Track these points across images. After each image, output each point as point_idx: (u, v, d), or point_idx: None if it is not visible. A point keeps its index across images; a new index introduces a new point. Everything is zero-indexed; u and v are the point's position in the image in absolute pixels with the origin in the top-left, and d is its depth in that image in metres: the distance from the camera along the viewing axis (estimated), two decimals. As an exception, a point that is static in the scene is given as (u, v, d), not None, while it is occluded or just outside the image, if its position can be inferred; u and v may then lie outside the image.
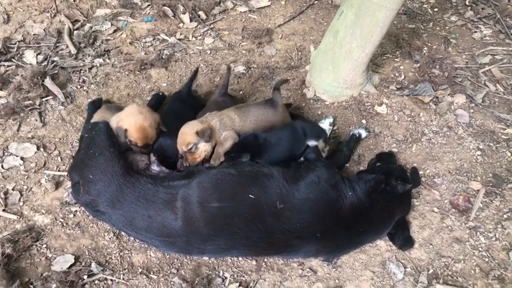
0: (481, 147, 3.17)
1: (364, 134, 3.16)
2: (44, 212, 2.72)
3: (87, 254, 2.55)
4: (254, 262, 2.55)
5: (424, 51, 3.94)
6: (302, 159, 2.81)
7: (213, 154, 2.69)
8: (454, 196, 2.88)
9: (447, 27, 4.26)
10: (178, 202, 2.33)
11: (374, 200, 2.49)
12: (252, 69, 3.75)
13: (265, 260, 2.56)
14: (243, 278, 2.48)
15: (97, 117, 2.94)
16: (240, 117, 2.80)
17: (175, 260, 2.54)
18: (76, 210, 2.74)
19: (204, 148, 2.65)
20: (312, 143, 2.83)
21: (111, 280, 2.44)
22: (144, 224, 2.37)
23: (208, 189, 2.36)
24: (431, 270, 2.54)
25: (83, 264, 2.50)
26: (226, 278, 2.48)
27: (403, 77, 3.70)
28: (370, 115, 3.35)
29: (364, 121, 3.32)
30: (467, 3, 4.49)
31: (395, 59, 3.86)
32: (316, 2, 4.48)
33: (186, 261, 2.54)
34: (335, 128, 3.28)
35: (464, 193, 2.90)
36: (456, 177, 2.99)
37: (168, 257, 2.56)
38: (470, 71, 3.78)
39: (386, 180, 2.54)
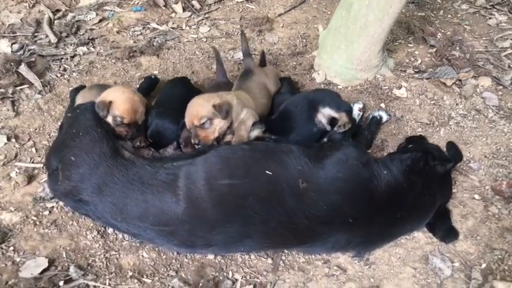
0: (516, 130, 2.81)
1: (385, 117, 2.78)
2: (13, 210, 2.25)
3: (64, 256, 2.07)
4: (270, 260, 2.10)
5: (439, 36, 3.61)
6: (325, 140, 2.39)
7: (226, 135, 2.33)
8: (495, 182, 2.49)
9: (459, 15, 3.98)
10: (180, 181, 1.90)
11: (412, 181, 2.08)
12: (253, 55, 3.37)
13: (283, 258, 2.11)
14: (258, 280, 2.03)
15: (80, 98, 2.53)
16: (250, 96, 2.51)
17: (174, 261, 2.08)
18: (52, 207, 2.28)
19: (219, 125, 2.27)
20: (327, 111, 2.41)
21: (94, 286, 1.96)
22: (137, 210, 1.92)
23: (216, 164, 1.94)
24: (484, 265, 2.11)
25: (59, 268, 2.02)
26: (237, 280, 2.02)
27: (419, 61, 3.37)
28: (389, 98, 2.98)
29: (383, 105, 2.95)
30: (478, -9, 4.22)
31: (409, 45, 3.54)
32: (317, -8, 4.17)
33: (186, 262, 2.08)
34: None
35: (507, 178, 2.50)
36: (495, 162, 2.61)
37: (164, 257, 2.09)
38: (491, 54, 3.46)
39: (424, 159, 2.14)
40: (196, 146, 2.28)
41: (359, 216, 1.95)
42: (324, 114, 2.41)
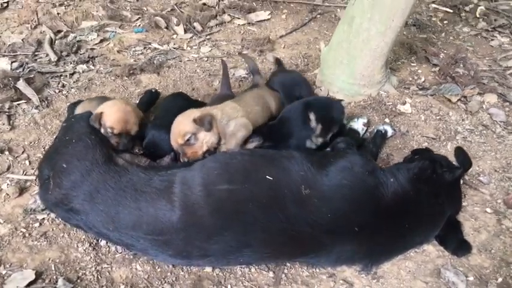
0: (526, 145, 2.72)
1: (390, 131, 2.70)
2: (2, 222, 2.15)
3: (53, 269, 1.96)
4: (271, 274, 1.97)
5: (441, 56, 3.59)
6: (329, 149, 2.31)
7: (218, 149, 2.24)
8: (507, 195, 2.38)
9: (461, 37, 3.97)
10: (176, 187, 1.81)
11: (420, 190, 1.97)
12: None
13: (286, 271, 1.99)
14: (259, 294, 1.89)
15: (80, 109, 2.49)
16: (241, 106, 2.41)
17: (169, 274, 1.96)
18: (43, 219, 2.18)
19: (205, 138, 2.18)
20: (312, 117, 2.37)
21: (83, 299, 1.83)
22: (130, 219, 1.81)
23: (214, 169, 1.84)
24: (500, 279, 1.98)
25: (47, 281, 1.90)
26: (236, 293, 1.89)
27: (423, 79, 3.32)
28: (393, 114, 2.91)
29: (387, 120, 2.88)
30: (478, 16, 4.23)
31: (412, 64, 3.51)
32: (319, 16, 4.19)
33: (182, 275, 1.95)
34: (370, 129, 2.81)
35: (519, 192, 2.40)
36: (505, 176, 2.51)
37: (159, 270, 1.97)
38: (496, 73, 3.42)
39: (431, 167, 2.04)
40: None
41: (365, 224, 1.84)
42: (312, 119, 2.34)
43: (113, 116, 2.21)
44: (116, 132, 2.21)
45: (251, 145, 2.22)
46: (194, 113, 2.22)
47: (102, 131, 2.25)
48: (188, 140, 2.16)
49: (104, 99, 2.54)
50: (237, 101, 2.46)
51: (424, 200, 1.97)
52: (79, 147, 2.03)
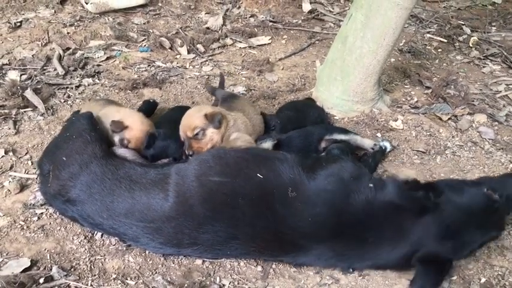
0: (514, 161, 2.80)
1: (389, 147, 2.79)
2: (2, 215, 2.23)
3: (48, 258, 2.03)
4: (259, 268, 2.03)
5: (434, 80, 3.72)
6: (324, 154, 2.41)
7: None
8: (493, 205, 2.43)
9: (454, 64, 4.11)
10: (171, 177, 1.90)
11: (407, 204, 1.99)
12: (253, 91, 3.48)
13: (274, 266, 2.04)
14: (246, 286, 1.94)
15: (84, 109, 2.62)
16: (249, 120, 2.54)
17: (160, 266, 2.02)
18: (42, 213, 2.26)
19: (212, 135, 2.27)
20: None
21: (76, 287, 1.88)
22: (124, 206, 1.89)
23: (207, 161, 1.93)
24: (483, 280, 2.02)
25: (42, 268, 1.97)
26: (224, 285, 1.94)
27: (415, 100, 3.44)
28: (384, 129, 3.01)
29: (379, 135, 2.97)
30: (471, 45, 4.39)
31: (405, 86, 3.64)
32: (317, 42, 4.37)
33: (173, 266, 2.01)
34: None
35: (505, 202, 2.45)
36: (492, 187, 2.56)
37: (150, 262, 2.03)
38: (486, 96, 3.53)
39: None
40: (190, 157, 2.27)
41: (344, 230, 1.90)
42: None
43: (136, 134, 2.32)
44: (130, 147, 2.32)
45: (265, 144, 2.31)
46: (206, 108, 2.31)
47: (116, 137, 2.35)
48: (197, 134, 2.24)
49: (109, 102, 2.66)
50: (243, 111, 2.54)
51: (409, 214, 1.99)
52: (79, 142, 2.13)
